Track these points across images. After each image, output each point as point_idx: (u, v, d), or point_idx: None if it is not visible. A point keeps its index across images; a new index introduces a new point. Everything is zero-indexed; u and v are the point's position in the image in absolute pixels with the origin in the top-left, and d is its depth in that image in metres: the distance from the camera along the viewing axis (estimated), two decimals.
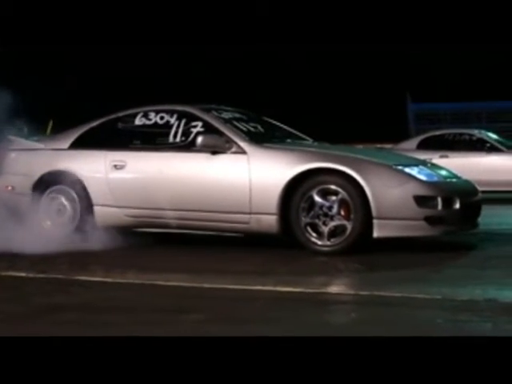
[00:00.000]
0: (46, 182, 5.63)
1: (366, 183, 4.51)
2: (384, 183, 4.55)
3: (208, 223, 5.10)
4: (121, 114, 5.68)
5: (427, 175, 4.75)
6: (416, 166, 4.87)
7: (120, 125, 5.63)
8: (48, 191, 5.62)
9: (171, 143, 5.29)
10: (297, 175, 4.69)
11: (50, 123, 8.40)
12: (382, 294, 3.44)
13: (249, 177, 4.88)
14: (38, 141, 6.01)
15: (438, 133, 11.86)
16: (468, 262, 4.66)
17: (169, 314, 3.14)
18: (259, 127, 5.56)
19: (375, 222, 4.50)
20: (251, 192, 4.86)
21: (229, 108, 5.81)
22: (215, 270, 4.33)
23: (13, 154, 5.95)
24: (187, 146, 5.21)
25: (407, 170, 4.69)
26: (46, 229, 5.57)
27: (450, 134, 11.51)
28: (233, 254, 5.01)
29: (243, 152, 4.97)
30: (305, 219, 4.68)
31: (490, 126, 14.77)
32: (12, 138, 6.07)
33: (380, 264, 4.45)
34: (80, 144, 5.66)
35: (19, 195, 5.78)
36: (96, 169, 5.45)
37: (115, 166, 5.38)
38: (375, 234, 4.53)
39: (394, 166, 4.72)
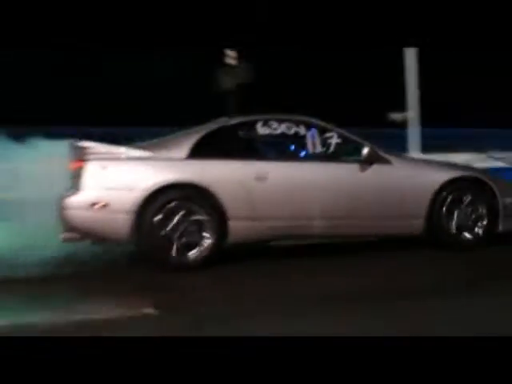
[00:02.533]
0: (162, 198, 4.86)
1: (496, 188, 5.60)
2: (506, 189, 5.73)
3: (359, 230, 5.35)
4: (234, 122, 5.29)
5: None
6: None
7: (241, 133, 5.25)
8: (165, 208, 4.86)
9: (312, 154, 5.30)
10: (445, 182, 5.45)
11: None
12: None
13: (401, 185, 5.38)
14: (134, 148, 5.03)
15: None
16: None
17: None
18: None
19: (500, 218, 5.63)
20: (404, 199, 5.37)
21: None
22: None
23: (100, 164, 4.86)
24: (330, 156, 5.34)
25: None
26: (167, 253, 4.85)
27: None
28: None
29: (388, 162, 5.41)
30: (452, 221, 5.47)
31: None
32: (87, 143, 4.94)
33: None
34: (198, 153, 5.06)
35: (116, 213, 4.82)
36: (234, 180, 5.02)
37: (257, 177, 5.06)
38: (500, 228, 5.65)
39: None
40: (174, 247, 4.88)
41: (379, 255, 5.43)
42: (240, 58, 12.13)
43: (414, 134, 9.56)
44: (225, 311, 3.70)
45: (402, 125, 10.06)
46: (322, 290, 4.17)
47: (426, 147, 10.18)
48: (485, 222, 5.57)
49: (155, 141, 5.27)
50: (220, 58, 12.16)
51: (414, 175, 5.50)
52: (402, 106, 10.09)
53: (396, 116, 10.22)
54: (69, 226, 4.90)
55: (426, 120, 9.93)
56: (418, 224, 5.44)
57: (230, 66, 12.12)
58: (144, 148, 5.11)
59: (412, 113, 9.62)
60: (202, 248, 4.93)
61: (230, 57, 12.15)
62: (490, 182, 5.61)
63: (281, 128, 5.36)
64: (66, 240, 5.03)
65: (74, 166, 4.93)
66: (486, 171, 6.10)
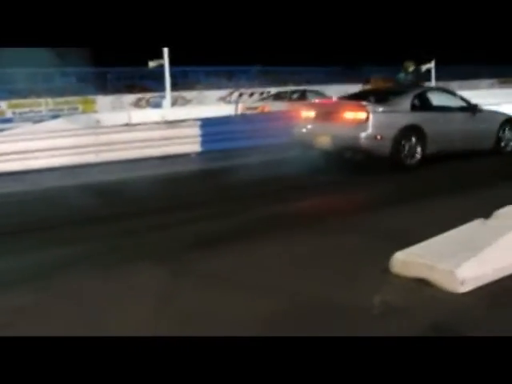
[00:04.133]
0: (404, 132, 9.41)
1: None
2: None
3: (470, 147, 10.39)
4: (422, 90, 9.99)
5: None
6: None
7: (424, 95, 9.97)
8: (404, 137, 9.43)
9: (453, 108, 10.25)
10: (502, 121, 10.79)
11: None
12: None
13: (487, 123, 10.62)
14: (384, 105, 9.41)
15: None
16: None
17: None
18: None
19: None
20: (488, 129, 10.62)
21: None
22: None
23: (374, 115, 9.22)
24: (459, 108, 10.32)
25: None
26: (403, 160, 9.46)
27: None
28: None
29: (481, 111, 10.58)
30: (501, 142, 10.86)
31: None
32: (365, 103, 9.26)
33: None
34: (413, 107, 9.67)
35: (385, 141, 9.26)
36: (432, 122, 9.72)
37: (437, 121, 9.84)
38: None
39: None
40: (407, 157, 9.53)
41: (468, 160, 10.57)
42: None
43: (166, 74, 16.98)
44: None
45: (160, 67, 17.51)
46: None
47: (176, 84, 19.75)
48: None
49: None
50: None
51: (491, 118, 10.81)
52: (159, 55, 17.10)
53: (152, 64, 17.75)
54: (361, 149, 9.22)
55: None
56: (491, 143, 10.76)
57: None
58: (387, 105, 9.58)
59: (164, 60, 17.00)
60: (417, 157, 9.64)
61: None
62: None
63: (437, 94, 10.21)
64: (349, 159, 9.44)
65: (362, 115, 9.22)
66: None
